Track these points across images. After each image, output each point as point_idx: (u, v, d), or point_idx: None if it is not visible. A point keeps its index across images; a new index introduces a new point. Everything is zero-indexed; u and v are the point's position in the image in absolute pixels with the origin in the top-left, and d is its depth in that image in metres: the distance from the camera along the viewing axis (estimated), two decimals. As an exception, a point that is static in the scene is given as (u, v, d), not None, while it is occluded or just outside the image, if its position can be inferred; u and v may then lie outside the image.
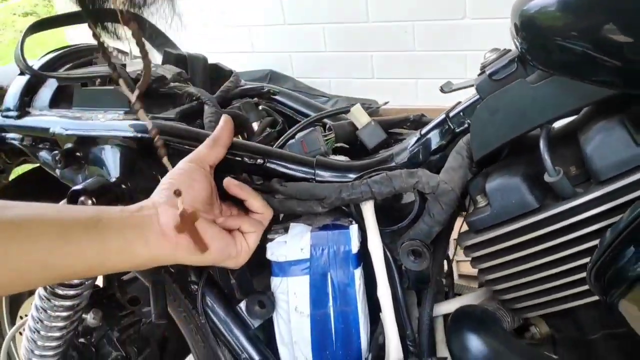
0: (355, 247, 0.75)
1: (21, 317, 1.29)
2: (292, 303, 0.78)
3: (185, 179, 0.67)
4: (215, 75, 1.09)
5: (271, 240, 0.78)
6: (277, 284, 0.78)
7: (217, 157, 0.73)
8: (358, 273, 0.77)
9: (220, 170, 0.74)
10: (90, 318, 1.00)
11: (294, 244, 0.76)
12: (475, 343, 0.68)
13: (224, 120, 0.75)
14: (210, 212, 0.69)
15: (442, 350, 0.77)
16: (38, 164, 1.03)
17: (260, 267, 0.83)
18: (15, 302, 1.34)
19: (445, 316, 0.79)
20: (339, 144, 0.93)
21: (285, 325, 0.79)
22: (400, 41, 2.65)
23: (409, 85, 2.73)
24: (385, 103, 1.07)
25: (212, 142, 0.73)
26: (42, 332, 0.91)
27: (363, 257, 0.77)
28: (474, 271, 0.73)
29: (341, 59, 2.84)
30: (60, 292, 0.86)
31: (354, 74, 2.85)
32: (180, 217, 0.60)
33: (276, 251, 0.77)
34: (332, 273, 0.76)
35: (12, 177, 1.26)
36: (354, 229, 0.75)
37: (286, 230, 0.78)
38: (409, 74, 2.71)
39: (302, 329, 0.78)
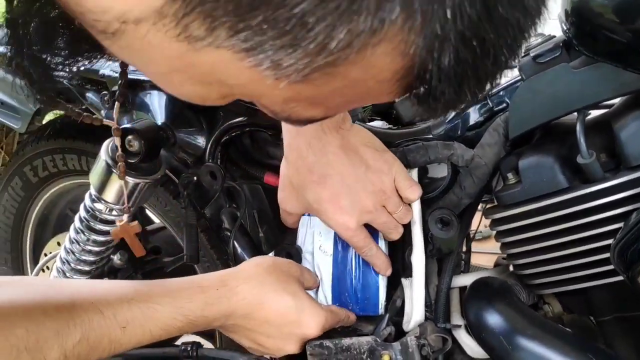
0: None
1: (45, 255, 1.33)
2: (316, 242, 0.81)
3: None
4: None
5: None
6: (304, 222, 0.82)
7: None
8: None
9: (256, 125, 0.77)
10: (116, 259, 1.03)
11: None
12: (491, 310, 0.71)
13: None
14: None
15: (456, 319, 0.81)
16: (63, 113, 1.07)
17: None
18: (39, 240, 1.38)
19: (462, 289, 0.83)
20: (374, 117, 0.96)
21: (309, 265, 0.82)
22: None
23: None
24: None
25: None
26: (72, 264, 0.95)
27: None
28: (485, 263, 0.75)
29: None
30: (95, 226, 0.90)
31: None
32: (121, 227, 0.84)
33: None
34: None
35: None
36: None
37: None
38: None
39: (324, 268, 0.81)
